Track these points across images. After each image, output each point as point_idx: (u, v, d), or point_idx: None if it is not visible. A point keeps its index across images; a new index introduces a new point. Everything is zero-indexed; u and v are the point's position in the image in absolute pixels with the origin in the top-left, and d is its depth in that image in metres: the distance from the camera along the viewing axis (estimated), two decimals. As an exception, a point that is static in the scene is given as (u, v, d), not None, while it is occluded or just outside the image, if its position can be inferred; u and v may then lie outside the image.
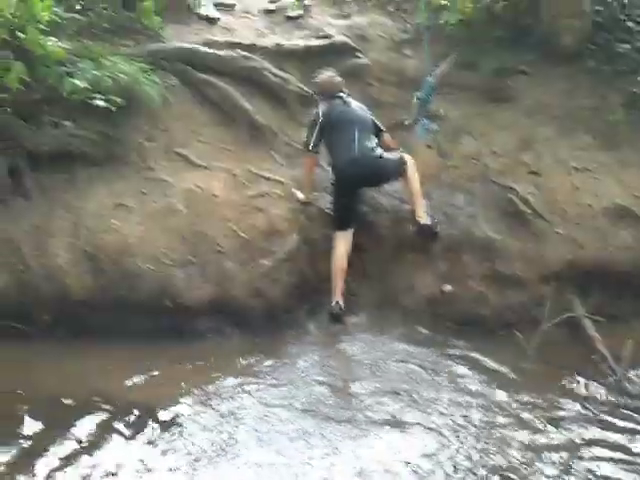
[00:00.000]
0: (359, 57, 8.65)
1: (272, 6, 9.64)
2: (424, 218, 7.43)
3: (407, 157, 7.60)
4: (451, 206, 7.76)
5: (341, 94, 7.84)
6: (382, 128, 7.95)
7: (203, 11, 9.28)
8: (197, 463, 4.99)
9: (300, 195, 7.75)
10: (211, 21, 9.24)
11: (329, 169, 7.77)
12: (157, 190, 7.55)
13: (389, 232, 7.75)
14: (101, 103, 7.51)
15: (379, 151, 7.61)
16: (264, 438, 5.29)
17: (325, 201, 7.75)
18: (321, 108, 7.74)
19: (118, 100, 7.57)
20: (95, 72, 7.57)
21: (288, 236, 7.51)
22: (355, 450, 5.15)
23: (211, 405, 5.82)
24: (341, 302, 7.29)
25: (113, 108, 7.55)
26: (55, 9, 7.93)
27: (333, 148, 7.64)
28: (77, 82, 7.43)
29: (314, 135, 7.65)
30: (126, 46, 8.34)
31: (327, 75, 8.03)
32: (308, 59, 8.72)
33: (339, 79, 7.98)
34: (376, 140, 7.72)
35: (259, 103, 8.37)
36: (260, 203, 7.64)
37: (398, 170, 7.57)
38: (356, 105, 7.84)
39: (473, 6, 8.42)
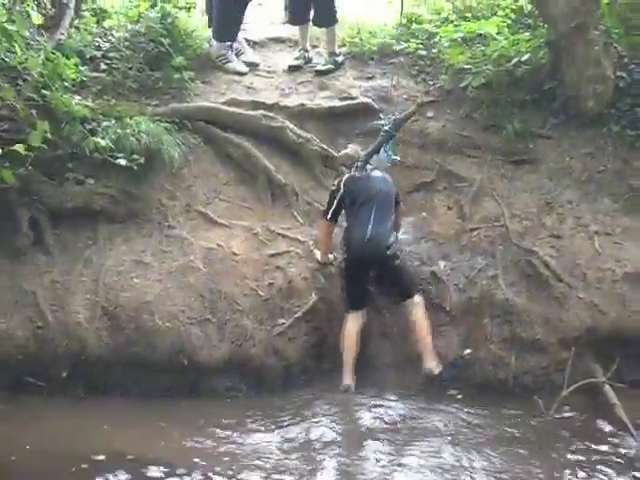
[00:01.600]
0: (381, 118, 8.67)
1: (297, 62, 9.65)
2: (432, 369, 7.21)
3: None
4: (471, 269, 7.69)
5: (368, 166, 7.74)
6: (399, 200, 7.83)
7: (231, 67, 9.37)
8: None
9: (317, 257, 7.74)
10: (240, 74, 9.34)
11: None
12: (177, 248, 7.61)
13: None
14: (123, 162, 7.61)
15: (392, 239, 7.48)
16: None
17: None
18: (345, 176, 7.68)
19: (140, 159, 7.66)
20: (119, 131, 7.66)
21: (306, 295, 7.49)
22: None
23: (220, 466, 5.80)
24: (352, 384, 7.20)
25: (135, 167, 7.64)
26: (81, 68, 8.06)
27: (349, 221, 7.57)
28: (100, 141, 7.52)
29: (333, 206, 7.59)
30: (151, 105, 8.44)
31: (351, 149, 8.03)
32: (330, 119, 8.78)
33: (359, 153, 7.94)
34: (391, 222, 7.56)
35: (280, 162, 8.40)
36: (279, 262, 7.65)
37: (412, 287, 7.50)
38: (380, 178, 7.70)
39: (495, 69, 8.42)
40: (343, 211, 7.62)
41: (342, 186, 7.56)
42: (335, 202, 7.56)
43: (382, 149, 7.87)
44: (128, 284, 7.29)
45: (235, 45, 9.55)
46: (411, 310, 7.36)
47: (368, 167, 7.73)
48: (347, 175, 7.68)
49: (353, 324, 7.32)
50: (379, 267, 7.44)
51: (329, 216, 7.61)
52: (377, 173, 7.72)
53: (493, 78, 8.48)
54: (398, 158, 7.96)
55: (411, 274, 7.59)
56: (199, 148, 8.32)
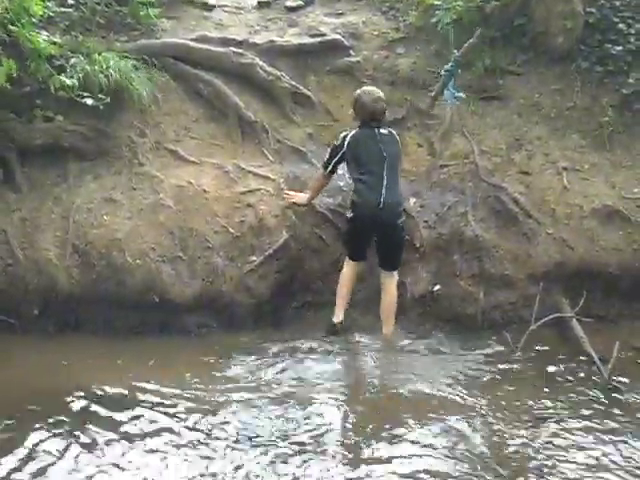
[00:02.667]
0: (352, 55, 8.62)
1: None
2: (388, 336, 7.27)
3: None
4: (441, 205, 7.72)
5: (378, 124, 7.36)
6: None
7: None
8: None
9: (299, 199, 7.65)
10: (208, 7, 9.29)
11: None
12: (147, 185, 7.58)
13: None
14: (89, 101, 7.55)
15: (402, 207, 7.36)
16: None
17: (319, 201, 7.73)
18: (350, 134, 7.34)
19: (107, 99, 7.61)
20: (87, 67, 7.58)
21: (277, 233, 7.50)
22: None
23: (188, 399, 5.90)
24: (340, 323, 7.25)
25: (101, 106, 7.58)
26: (48, 3, 7.94)
27: (359, 184, 7.21)
28: (65, 80, 7.44)
29: (333, 162, 7.39)
30: (119, 41, 8.33)
31: (372, 98, 7.35)
32: (300, 56, 8.70)
33: (383, 105, 7.37)
34: (400, 186, 7.39)
35: (251, 100, 8.34)
36: (250, 199, 7.62)
37: (399, 262, 7.40)
38: (387, 137, 7.35)
39: (465, 6, 8.38)
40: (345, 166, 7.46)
41: (345, 144, 7.29)
42: (336, 158, 7.36)
43: (446, 88, 7.93)
44: (98, 222, 7.27)
45: None
46: (387, 282, 7.32)
47: (380, 125, 7.38)
48: (352, 132, 7.34)
49: (350, 269, 7.32)
50: (386, 234, 7.28)
51: (328, 169, 7.46)
52: (384, 131, 7.37)
53: (463, 14, 8.43)
54: (463, 95, 7.92)
55: (403, 249, 7.47)
56: (168, 85, 8.24)
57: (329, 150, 7.49)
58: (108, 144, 7.78)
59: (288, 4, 9.35)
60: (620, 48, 8.10)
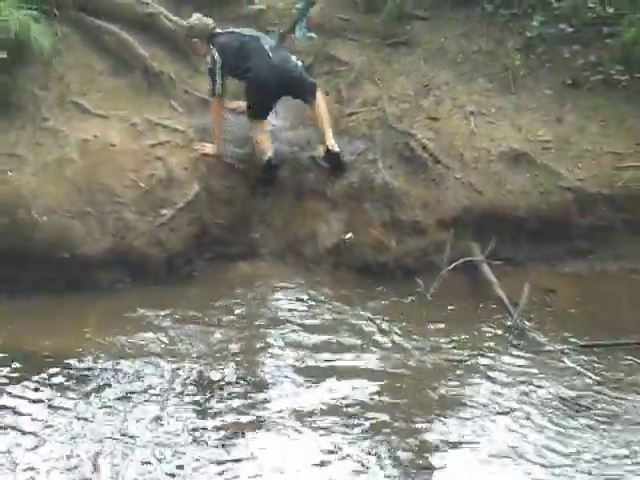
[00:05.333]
0: (255, 3, 8.55)
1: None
2: (334, 146, 7.49)
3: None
4: (351, 153, 7.71)
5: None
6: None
7: None
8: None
9: (211, 149, 7.63)
10: None
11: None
12: (52, 140, 7.40)
13: (290, 181, 7.70)
14: (-15, 56, 7.31)
15: (300, 65, 7.67)
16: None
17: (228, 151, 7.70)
18: (215, 51, 7.49)
19: (3, 54, 7.33)
20: (-18, 17, 7.36)
21: (188, 186, 7.43)
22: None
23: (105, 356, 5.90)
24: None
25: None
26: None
27: (246, 64, 7.43)
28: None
29: (217, 78, 7.45)
30: (17, -9, 8.08)
31: (199, 19, 7.77)
32: (205, 4, 8.53)
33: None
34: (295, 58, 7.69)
35: (156, 50, 8.24)
36: (159, 152, 7.52)
37: (312, 90, 7.59)
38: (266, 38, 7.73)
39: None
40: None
41: (218, 58, 7.43)
42: (216, 75, 7.44)
43: (296, 27, 7.89)
44: (2, 178, 7.08)
45: None
46: (314, 106, 7.56)
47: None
48: (217, 43, 7.54)
49: (262, 132, 7.56)
50: (288, 87, 7.55)
51: (217, 90, 7.51)
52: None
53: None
54: (314, 35, 7.80)
55: (308, 76, 7.71)
56: (71, 37, 8.07)
57: (208, 76, 7.58)
58: (9, 98, 7.54)
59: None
60: (524, -10, 8.15)
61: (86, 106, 7.72)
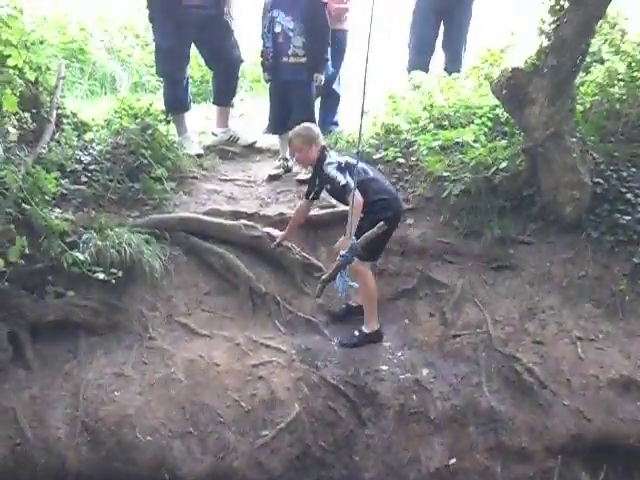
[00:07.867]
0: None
1: (277, 171, 9.87)
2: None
3: None
4: (455, 376, 7.63)
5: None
6: None
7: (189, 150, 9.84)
8: None
9: (277, 232, 8.27)
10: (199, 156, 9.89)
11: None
12: (158, 359, 7.55)
13: (392, 401, 7.56)
14: (101, 276, 7.62)
15: None
16: None
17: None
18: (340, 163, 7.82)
19: (118, 273, 7.70)
20: (99, 243, 7.69)
21: (289, 405, 7.39)
22: None
23: None
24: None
25: (113, 281, 7.67)
26: (62, 181, 8.13)
27: (374, 186, 7.75)
28: (78, 255, 7.55)
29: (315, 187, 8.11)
30: (131, 216, 8.50)
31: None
32: (311, 228, 8.83)
33: None
34: None
35: (261, 271, 8.43)
36: (261, 372, 7.56)
37: None
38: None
39: (473, 176, 8.51)
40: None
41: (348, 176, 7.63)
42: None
43: (339, 276, 7.32)
44: (108, 397, 7.19)
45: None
46: None
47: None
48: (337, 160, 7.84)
49: (370, 273, 7.88)
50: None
51: (311, 195, 8.15)
52: None
53: (472, 185, 8.54)
54: (356, 285, 7.72)
55: None
56: (180, 258, 8.35)
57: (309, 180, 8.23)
58: (119, 318, 7.82)
59: (299, 177, 9.54)
60: (629, 218, 8.16)
61: (192, 326, 7.90)
